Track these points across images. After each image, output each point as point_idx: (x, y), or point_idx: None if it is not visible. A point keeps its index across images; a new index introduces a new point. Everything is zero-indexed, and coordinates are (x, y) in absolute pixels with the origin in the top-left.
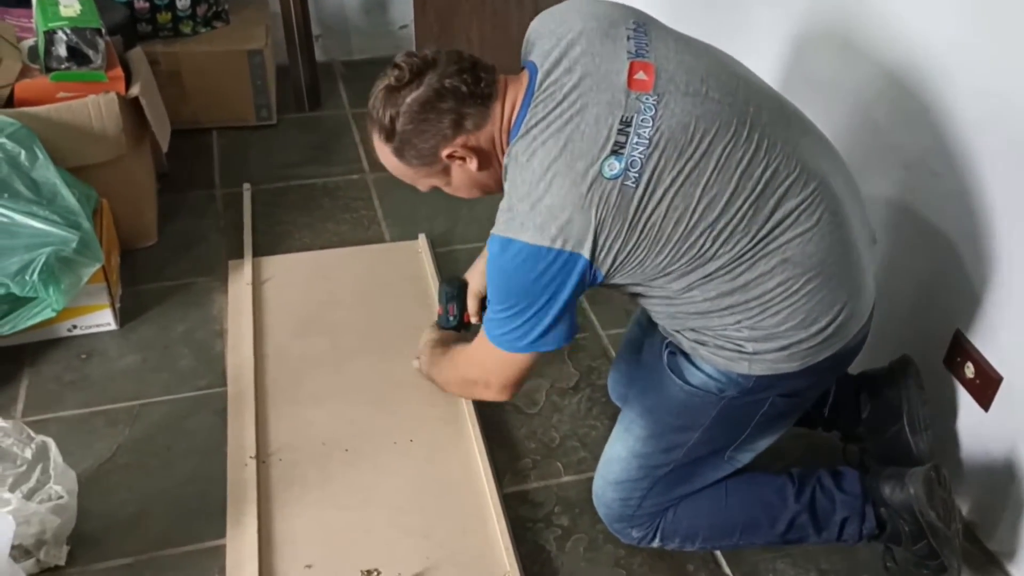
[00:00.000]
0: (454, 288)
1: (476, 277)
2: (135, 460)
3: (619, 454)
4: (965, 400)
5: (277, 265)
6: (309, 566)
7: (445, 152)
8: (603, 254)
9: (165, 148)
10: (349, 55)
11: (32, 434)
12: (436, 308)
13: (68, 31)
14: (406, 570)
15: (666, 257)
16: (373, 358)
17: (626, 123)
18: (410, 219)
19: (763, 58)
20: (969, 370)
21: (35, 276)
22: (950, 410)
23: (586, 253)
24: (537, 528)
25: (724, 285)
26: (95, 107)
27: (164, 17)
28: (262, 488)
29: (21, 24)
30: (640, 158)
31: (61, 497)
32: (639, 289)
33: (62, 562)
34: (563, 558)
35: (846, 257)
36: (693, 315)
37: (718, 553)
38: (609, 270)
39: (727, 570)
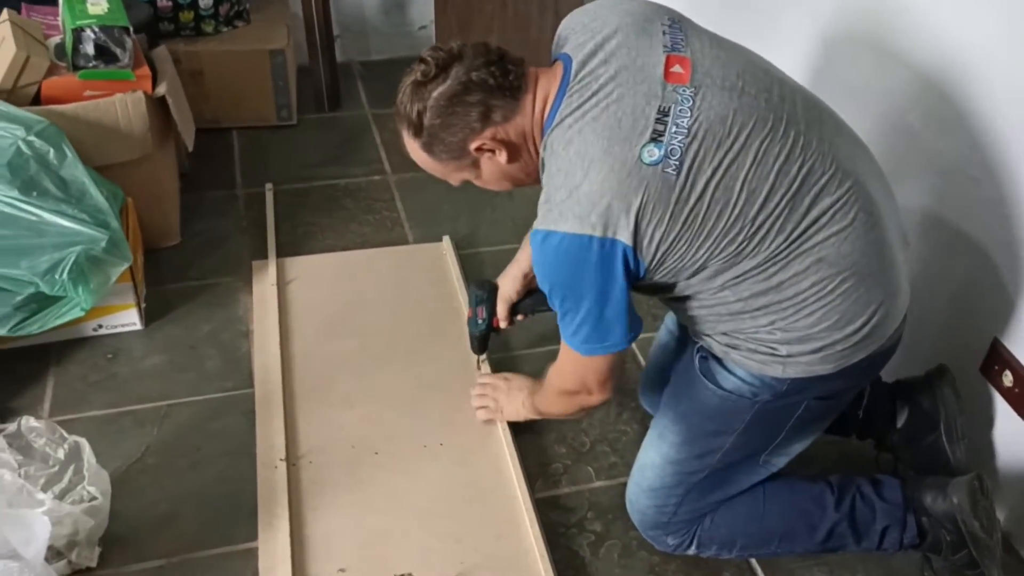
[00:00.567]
0: (484, 291)
1: (508, 282)
2: (164, 461)
3: (653, 460)
4: (1002, 409)
5: (302, 266)
6: (343, 570)
7: (474, 145)
8: (645, 241)
9: (190, 147)
10: (368, 55)
11: (65, 434)
12: (465, 310)
13: (96, 29)
14: (440, 575)
15: (706, 252)
16: (401, 360)
17: (664, 112)
18: (433, 221)
19: (792, 60)
20: (1007, 378)
21: (64, 275)
22: (986, 419)
23: (627, 239)
24: (570, 534)
25: (757, 285)
26: (122, 106)
27: (186, 16)
28: (293, 491)
29: (47, 21)
30: (680, 147)
31: (95, 498)
32: (673, 291)
33: (94, 564)
34: (597, 564)
35: (881, 257)
36: (725, 317)
37: (753, 561)
38: (651, 262)
39: None
